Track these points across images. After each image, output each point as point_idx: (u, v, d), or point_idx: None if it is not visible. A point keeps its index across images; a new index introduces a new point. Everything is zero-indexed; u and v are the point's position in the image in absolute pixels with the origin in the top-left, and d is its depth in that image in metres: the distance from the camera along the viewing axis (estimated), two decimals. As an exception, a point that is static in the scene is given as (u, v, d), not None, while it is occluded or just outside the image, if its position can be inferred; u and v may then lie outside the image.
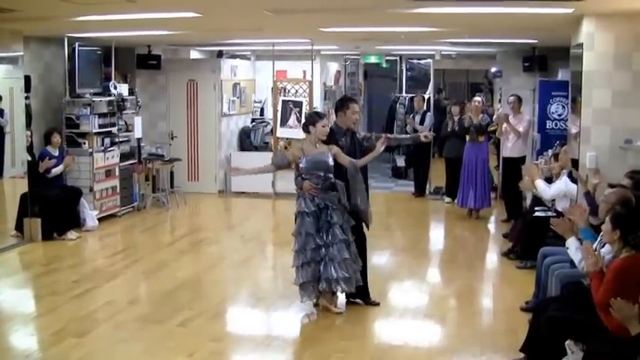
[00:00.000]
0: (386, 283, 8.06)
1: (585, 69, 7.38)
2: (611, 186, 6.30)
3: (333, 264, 6.69)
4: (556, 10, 6.91)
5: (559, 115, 11.42)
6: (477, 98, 12.08)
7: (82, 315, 6.88)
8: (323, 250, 6.73)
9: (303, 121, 7.28)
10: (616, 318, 4.45)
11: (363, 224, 7.04)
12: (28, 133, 10.30)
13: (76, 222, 10.36)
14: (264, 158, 13.21)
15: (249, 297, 7.72)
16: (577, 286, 5.51)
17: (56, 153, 10.36)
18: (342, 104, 7.03)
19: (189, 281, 8.20)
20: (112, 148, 11.35)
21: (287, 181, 12.66)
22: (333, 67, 17.01)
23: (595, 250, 5.16)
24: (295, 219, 6.88)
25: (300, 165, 6.76)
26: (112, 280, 8.14)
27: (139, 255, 9.39)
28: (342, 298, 7.11)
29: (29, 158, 10.13)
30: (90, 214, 10.59)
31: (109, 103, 11.35)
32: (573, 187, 7.82)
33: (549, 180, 8.55)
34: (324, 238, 6.72)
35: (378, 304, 7.13)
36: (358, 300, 7.14)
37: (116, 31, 9.81)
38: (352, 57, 17.93)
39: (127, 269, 8.66)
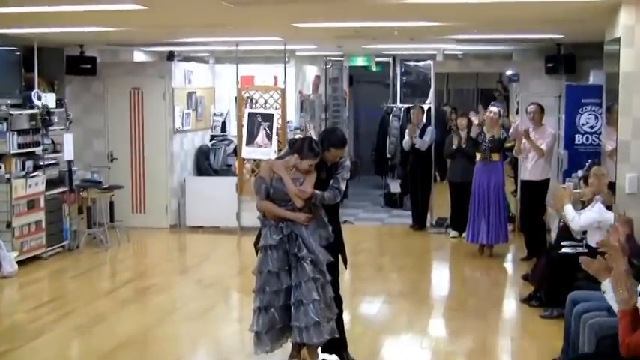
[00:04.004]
0: (378, 336, 8.06)
1: (623, 70, 7.41)
2: None
3: (303, 306, 6.60)
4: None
5: (591, 128, 11.50)
6: (493, 109, 11.76)
7: (-3, 384, 6.79)
8: (294, 292, 6.64)
9: (294, 141, 7.18)
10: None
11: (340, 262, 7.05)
12: None
13: (-11, 266, 10.26)
14: (227, 184, 13.44)
15: (208, 357, 7.66)
16: (616, 340, 5.47)
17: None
18: (326, 141, 6.79)
19: (134, 339, 8.13)
20: (35, 174, 11.29)
21: (255, 213, 12.65)
22: (312, 71, 17.08)
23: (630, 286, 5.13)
24: (256, 252, 6.84)
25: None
26: (36, 339, 8.04)
27: (70, 307, 9.31)
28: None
29: None
30: (7, 257, 10.48)
31: (32, 116, 11.33)
32: (609, 216, 7.80)
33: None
34: (292, 277, 6.65)
35: None
36: (334, 356, 7.09)
37: (39, 27, 9.79)
38: (335, 59, 18.00)
39: (55, 325, 8.57)
